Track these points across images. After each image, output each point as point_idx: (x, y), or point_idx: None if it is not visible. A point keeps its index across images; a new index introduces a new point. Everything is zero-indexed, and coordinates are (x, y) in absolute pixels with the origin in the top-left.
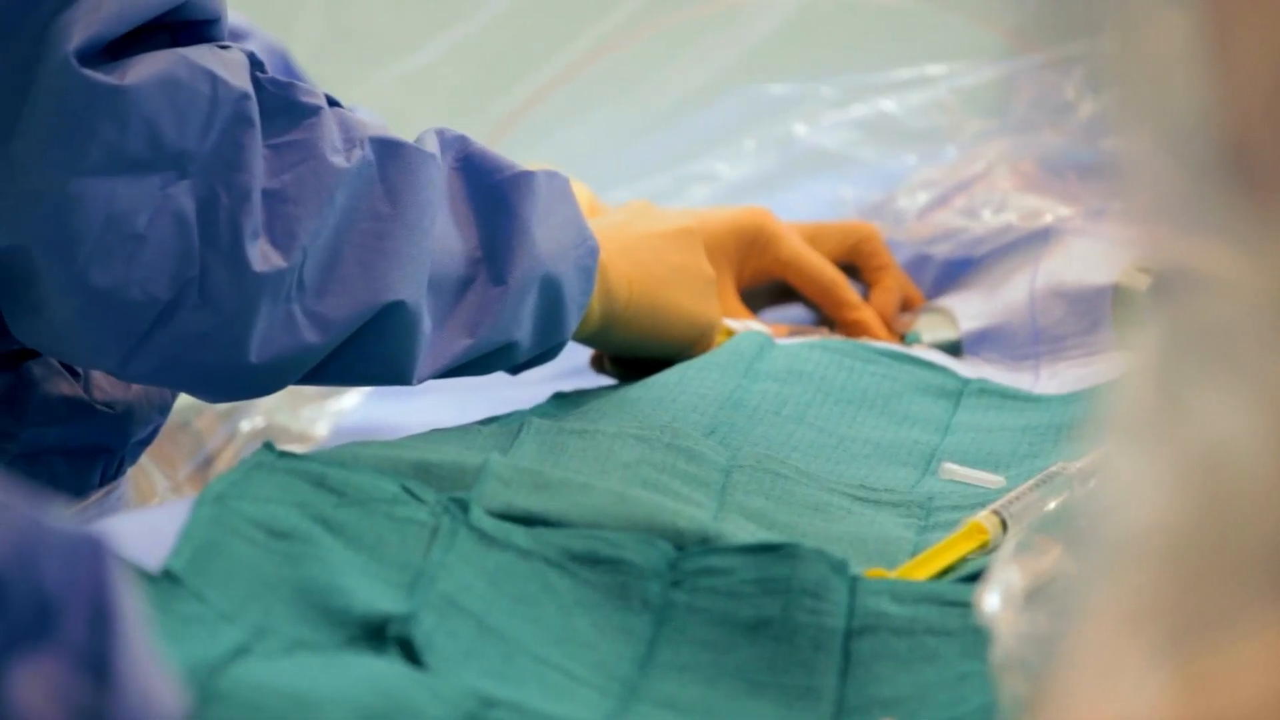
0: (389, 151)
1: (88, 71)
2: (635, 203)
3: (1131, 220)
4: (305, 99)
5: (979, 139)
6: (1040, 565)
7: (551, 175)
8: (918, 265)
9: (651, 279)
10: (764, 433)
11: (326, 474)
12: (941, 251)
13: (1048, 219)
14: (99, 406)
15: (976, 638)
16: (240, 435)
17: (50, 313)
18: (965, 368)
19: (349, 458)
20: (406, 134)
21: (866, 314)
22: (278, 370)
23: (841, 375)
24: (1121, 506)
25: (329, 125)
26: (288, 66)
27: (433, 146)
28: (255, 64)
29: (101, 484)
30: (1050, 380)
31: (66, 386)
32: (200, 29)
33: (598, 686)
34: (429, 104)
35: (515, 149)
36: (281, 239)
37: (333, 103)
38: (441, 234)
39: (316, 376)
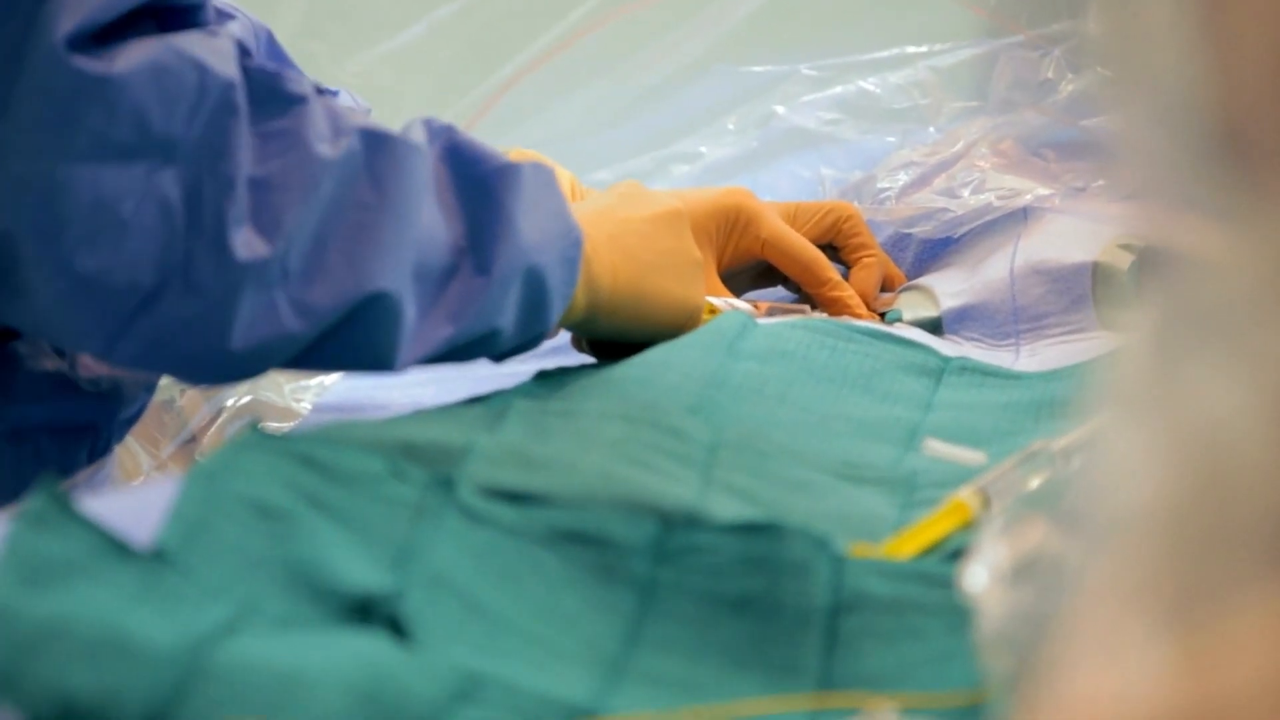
0: (375, 143)
1: (76, 58)
2: (623, 184)
3: (1124, 198)
4: (292, 88)
5: (959, 118)
6: (1026, 542)
7: (537, 168)
8: (898, 245)
9: (637, 266)
10: (747, 411)
11: (314, 453)
12: (922, 231)
13: (1027, 198)
14: (85, 384)
15: (961, 615)
16: (224, 413)
17: (35, 296)
18: (946, 346)
19: (336, 437)
20: (391, 113)
21: (847, 293)
22: (260, 356)
23: (823, 354)
24: (1118, 482)
25: (316, 114)
26: (272, 48)
27: (420, 136)
28: (244, 51)
29: (89, 461)
30: (1030, 358)
31: (52, 364)
32: (186, 14)
33: (584, 663)
34: (413, 83)
35: (497, 128)
36: (266, 227)
37: (321, 91)
38: (427, 223)
39: (299, 362)
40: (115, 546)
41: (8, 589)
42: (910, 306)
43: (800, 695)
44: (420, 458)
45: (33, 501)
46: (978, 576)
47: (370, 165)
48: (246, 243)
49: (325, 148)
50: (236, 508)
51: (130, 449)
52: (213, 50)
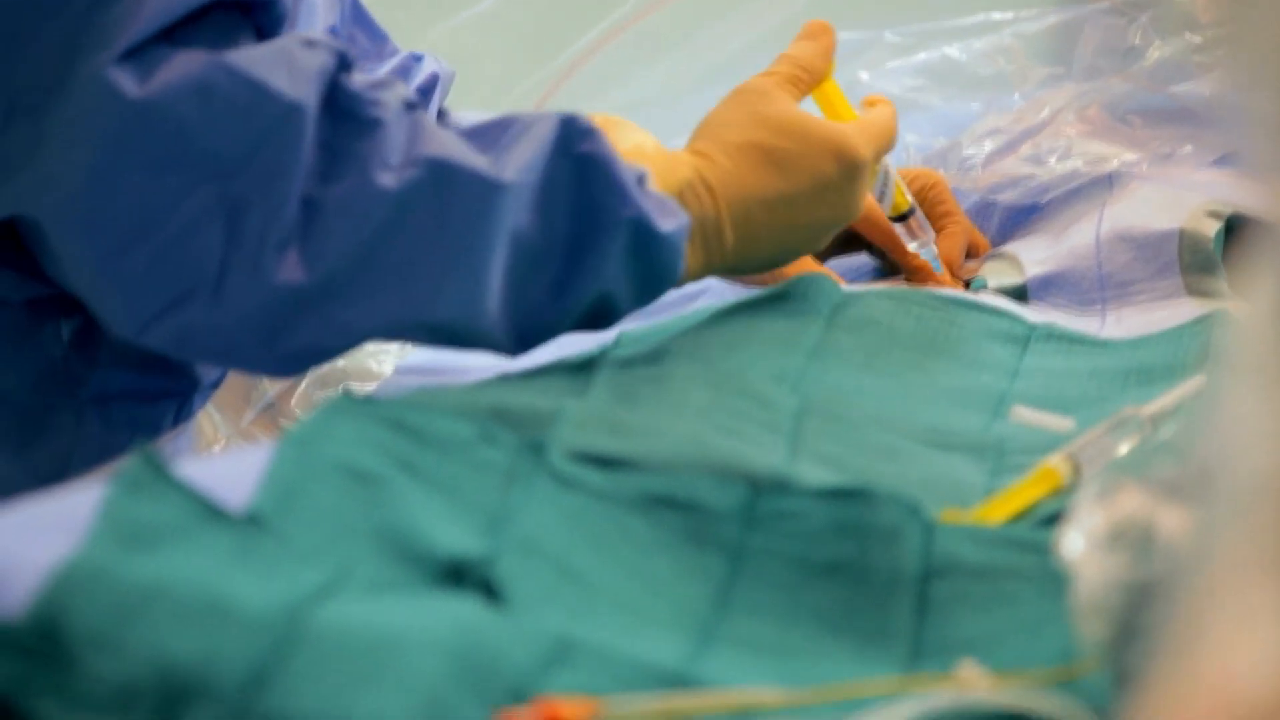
0: (444, 176)
1: (118, 74)
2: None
3: (1212, 164)
4: (371, 111)
5: (1044, 85)
6: (1121, 508)
7: (665, 204)
8: (982, 212)
9: (762, 246)
10: (833, 379)
11: (405, 418)
12: (1007, 198)
13: (1114, 164)
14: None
15: (1054, 581)
16: (304, 378)
17: (66, 278)
18: (1031, 313)
19: (427, 402)
20: (474, 79)
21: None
22: (296, 363)
23: (909, 321)
24: (1243, 451)
25: (389, 141)
26: (357, 13)
27: (541, 138)
28: (343, 65)
29: (172, 427)
30: (1116, 325)
31: None
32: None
33: (675, 627)
34: (495, 48)
35: (574, 98)
36: (311, 253)
37: (412, 106)
38: (526, 231)
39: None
40: (211, 511)
41: (105, 552)
42: (995, 274)
43: (894, 677)
44: (510, 423)
45: (128, 466)
46: (1074, 542)
47: (436, 198)
48: (286, 266)
49: (388, 177)
50: (330, 473)
51: (210, 416)
52: (287, 67)
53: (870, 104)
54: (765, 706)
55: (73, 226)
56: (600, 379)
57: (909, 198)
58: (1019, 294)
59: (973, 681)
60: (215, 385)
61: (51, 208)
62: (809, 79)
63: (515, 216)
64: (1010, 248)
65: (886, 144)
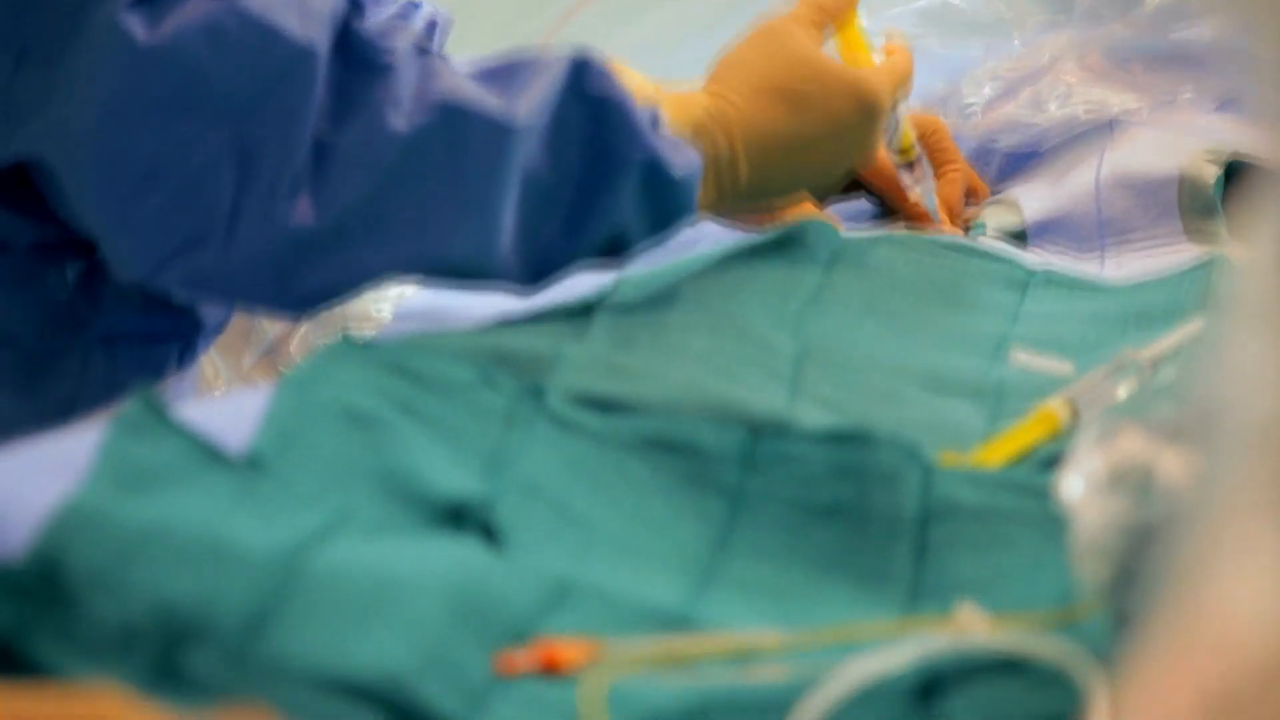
0: (456, 119)
1: (128, 21)
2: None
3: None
4: (382, 55)
5: (1045, 30)
6: (1122, 451)
7: (678, 146)
8: (982, 158)
9: (776, 178)
10: (832, 323)
11: (405, 361)
12: (1006, 144)
13: (1114, 110)
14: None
15: (1053, 524)
16: (304, 323)
17: (78, 220)
18: (1031, 258)
19: (426, 345)
20: (470, 24)
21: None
22: (309, 303)
23: (908, 266)
24: (1245, 394)
25: (400, 84)
26: None
27: (553, 79)
28: (354, 9)
29: (178, 368)
30: (1116, 270)
31: None
32: None
33: (675, 569)
34: None
35: (581, 37)
36: (323, 196)
37: (423, 50)
38: (520, 184)
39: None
40: (210, 453)
41: (105, 494)
42: (995, 218)
43: (892, 619)
44: (510, 366)
45: (128, 408)
46: (1073, 485)
47: (447, 142)
48: (298, 209)
49: (400, 121)
50: (329, 415)
51: (211, 359)
52: (298, 10)
53: (890, 51)
54: (765, 649)
55: (85, 171)
56: (599, 324)
57: (915, 143)
58: (1018, 238)
59: (971, 623)
60: (219, 328)
61: (64, 152)
62: (831, 21)
63: (527, 158)
64: (1010, 192)
65: (904, 91)
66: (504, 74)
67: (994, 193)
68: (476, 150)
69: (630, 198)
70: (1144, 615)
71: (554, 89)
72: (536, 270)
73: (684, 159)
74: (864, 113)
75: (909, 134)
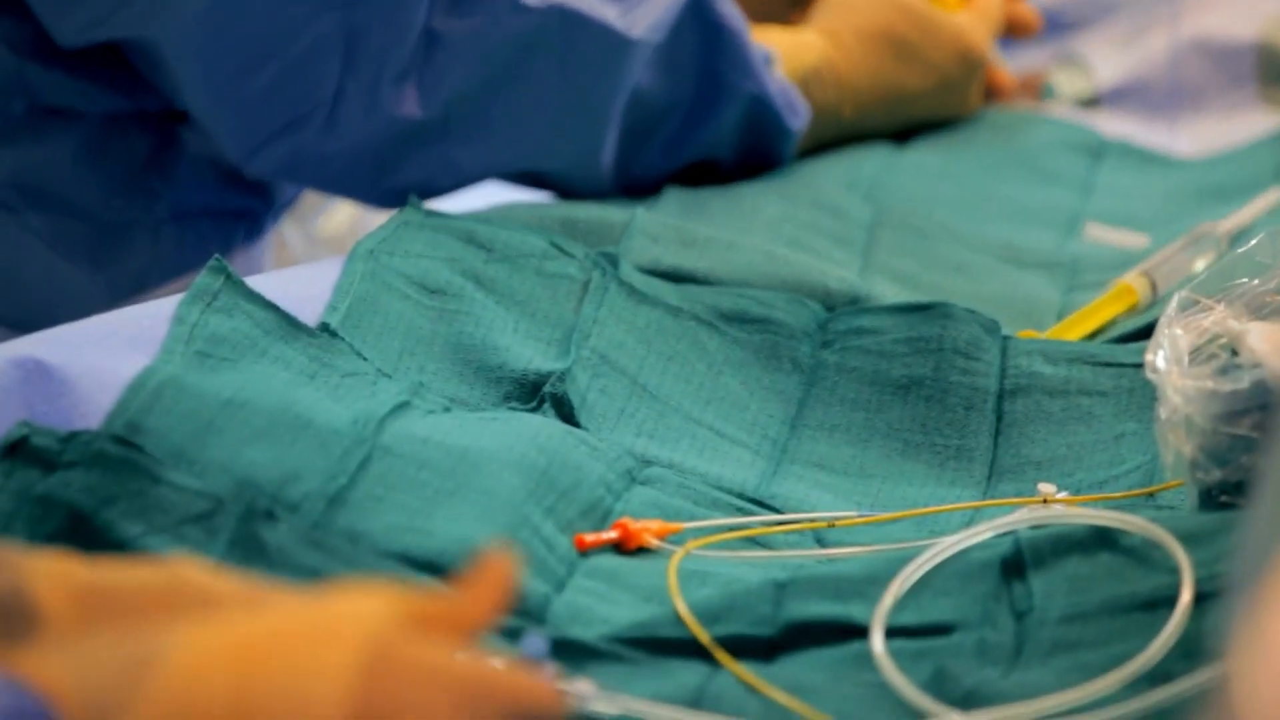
0: (572, 24)
1: None
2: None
3: None
4: None
5: None
6: (1203, 324)
7: (788, 94)
8: None
9: (867, 127)
10: (907, 186)
11: (475, 230)
12: None
13: None
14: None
15: (1131, 398)
16: None
17: (178, 97)
18: (1104, 121)
19: (496, 216)
20: None
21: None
22: (402, 198)
23: (983, 132)
24: None
25: None
26: None
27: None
28: None
29: (245, 244)
30: (1188, 135)
31: (214, 151)
32: None
33: (750, 446)
34: None
35: None
36: (428, 87)
37: None
38: (647, 91)
39: None
40: (287, 324)
41: (183, 366)
42: (1067, 81)
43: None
44: (580, 234)
45: (204, 280)
46: (1158, 359)
47: (561, 45)
48: (403, 98)
49: (516, 20)
50: (400, 284)
51: (282, 233)
52: None
53: None
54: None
55: (193, 50)
56: (669, 192)
57: None
58: (1091, 102)
59: (1054, 500)
60: (288, 204)
61: (173, 31)
62: None
63: (639, 74)
64: (1080, 48)
65: (998, 34)
66: None
67: (1051, 38)
68: (589, 59)
69: (732, 129)
70: (1228, 494)
71: (673, 7)
72: (627, 185)
73: (791, 108)
74: (966, 66)
75: None
